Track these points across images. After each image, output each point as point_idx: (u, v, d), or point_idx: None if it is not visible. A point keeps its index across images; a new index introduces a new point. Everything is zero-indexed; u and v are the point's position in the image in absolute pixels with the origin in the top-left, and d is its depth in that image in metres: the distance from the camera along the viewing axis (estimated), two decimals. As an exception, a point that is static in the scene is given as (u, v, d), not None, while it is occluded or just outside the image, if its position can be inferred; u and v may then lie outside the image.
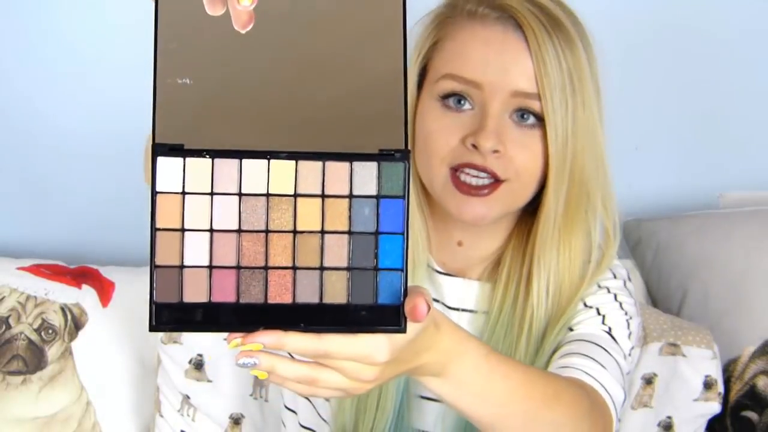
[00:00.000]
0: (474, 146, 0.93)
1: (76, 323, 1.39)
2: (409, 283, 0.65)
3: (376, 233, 0.64)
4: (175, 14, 0.63)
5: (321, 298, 0.64)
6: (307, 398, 1.10)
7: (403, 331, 0.64)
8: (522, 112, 0.94)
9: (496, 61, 0.93)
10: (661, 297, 1.55)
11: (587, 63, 0.95)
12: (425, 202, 1.04)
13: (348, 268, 0.64)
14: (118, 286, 1.42)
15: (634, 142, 1.67)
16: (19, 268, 1.43)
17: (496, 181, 0.94)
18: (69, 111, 1.57)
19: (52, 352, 1.38)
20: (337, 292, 0.64)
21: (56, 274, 1.43)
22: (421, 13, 1.01)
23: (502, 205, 0.96)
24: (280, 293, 0.63)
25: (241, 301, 0.63)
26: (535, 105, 0.93)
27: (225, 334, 0.65)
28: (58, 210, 1.61)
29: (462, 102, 0.95)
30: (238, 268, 0.63)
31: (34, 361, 1.37)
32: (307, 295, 0.63)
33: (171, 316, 0.63)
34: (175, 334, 1.35)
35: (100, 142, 1.56)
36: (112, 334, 1.40)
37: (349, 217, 0.64)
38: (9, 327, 1.37)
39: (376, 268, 0.64)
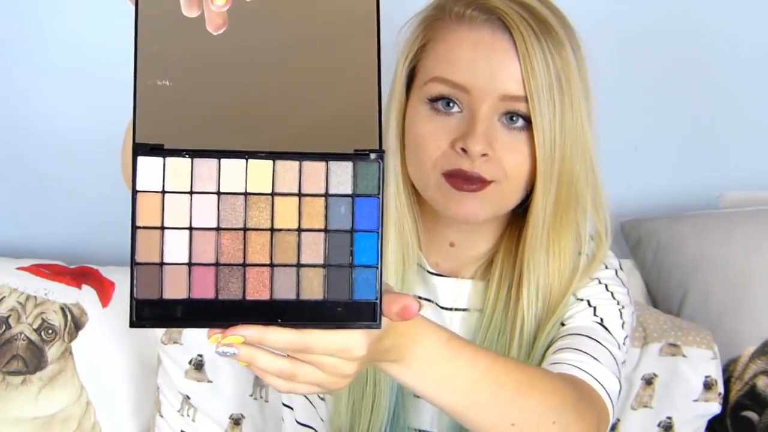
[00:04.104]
0: (463, 150, 0.93)
1: (76, 323, 1.39)
2: (384, 281, 0.66)
3: (352, 231, 0.65)
4: (154, 17, 0.64)
5: (298, 295, 0.65)
6: (305, 396, 1.10)
7: (379, 326, 0.65)
8: (511, 115, 0.94)
9: (484, 65, 0.93)
10: (661, 297, 1.55)
11: (576, 65, 0.95)
12: (416, 203, 1.04)
13: (324, 265, 0.65)
14: (118, 286, 1.43)
15: (634, 142, 1.67)
16: (19, 268, 1.43)
17: (485, 181, 0.94)
18: (69, 111, 1.57)
19: (52, 352, 1.38)
20: (314, 288, 0.65)
21: (56, 274, 1.43)
22: (409, 15, 1.01)
23: (492, 204, 0.96)
24: (258, 290, 0.64)
25: (220, 297, 0.64)
26: (523, 108, 0.93)
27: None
28: (58, 210, 1.61)
29: (451, 105, 0.95)
30: (216, 265, 0.64)
31: (34, 361, 1.37)
32: (285, 292, 0.65)
33: (151, 312, 0.64)
34: (175, 334, 1.35)
35: (100, 141, 1.56)
36: (112, 334, 1.40)
37: (326, 215, 0.65)
38: (9, 327, 1.37)
39: (352, 264, 0.65)
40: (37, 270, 1.43)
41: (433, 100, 0.95)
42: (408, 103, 0.99)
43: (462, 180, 0.94)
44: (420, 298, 1.06)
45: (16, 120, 1.57)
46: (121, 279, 1.44)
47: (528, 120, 0.94)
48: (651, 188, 1.68)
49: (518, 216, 1.02)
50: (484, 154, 0.93)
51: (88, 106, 1.56)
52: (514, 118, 0.94)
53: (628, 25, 1.60)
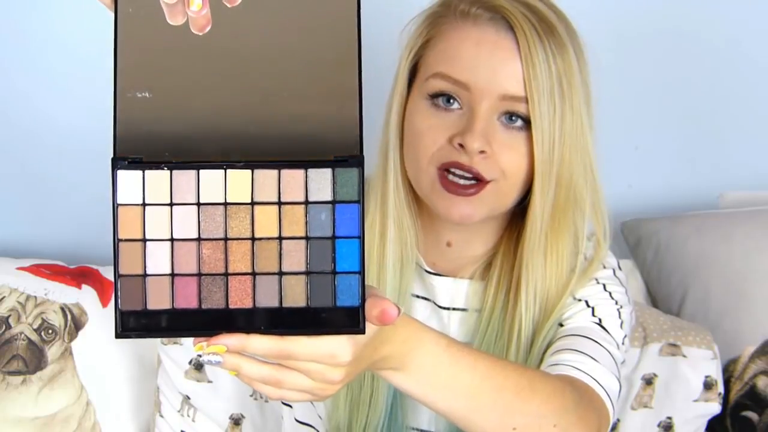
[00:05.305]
0: (461, 146, 0.93)
1: (76, 323, 1.39)
2: (367, 284, 0.66)
3: (333, 238, 0.66)
4: (134, 28, 0.65)
5: (281, 302, 0.66)
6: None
7: (362, 331, 0.66)
8: (510, 115, 0.94)
9: (486, 63, 0.93)
10: (661, 297, 1.54)
11: (578, 68, 0.95)
12: (414, 202, 1.04)
13: (306, 273, 0.66)
14: (118, 286, 1.42)
15: (634, 142, 1.67)
16: (19, 268, 1.43)
17: (482, 182, 0.94)
18: (69, 110, 1.57)
19: (52, 352, 1.38)
20: (296, 295, 0.66)
21: (56, 274, 1.43)
22: (410, 12, 1.01)
23: (488, 205, 0.96)
24: (240, 298, 0.65)
25: (203, 306, 0.65)
26: (522, 109, 0.93)
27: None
28: (58, 210, 1.61)
29: (451, 101, 0.95)
30: (199, 275, 0.65)
31: (34, 361, 1.37)
32: (267, 300, 0.65)
33: (137, 323, 0.66)
34: (174, 335, 1.35)
35: (100, 141, 1.55)
36: (112, 334, 1.38)
37: (306, 222, 0.66)
38: (9, 327, 1.37)
39: (334, 271, 0.66)
40: (37, 270, 1.43)
41: (434, 96, 0.96)
42: (409, 98, 0.99)
43: (457, 185, 0.94)
44: (418, 296, 1.06)
45: (16, 120, 1.56)
46: (121, 279, 1.43)
47: (527, 121, 0.94)
48: (651, 188, 1.68)
49: (517, 218, 1.02)
50: (482, 152, 0.93)
51: (88, 106, 1.56)
52: (513, 118, 0.94)
53: (629, 25, 1.60)
